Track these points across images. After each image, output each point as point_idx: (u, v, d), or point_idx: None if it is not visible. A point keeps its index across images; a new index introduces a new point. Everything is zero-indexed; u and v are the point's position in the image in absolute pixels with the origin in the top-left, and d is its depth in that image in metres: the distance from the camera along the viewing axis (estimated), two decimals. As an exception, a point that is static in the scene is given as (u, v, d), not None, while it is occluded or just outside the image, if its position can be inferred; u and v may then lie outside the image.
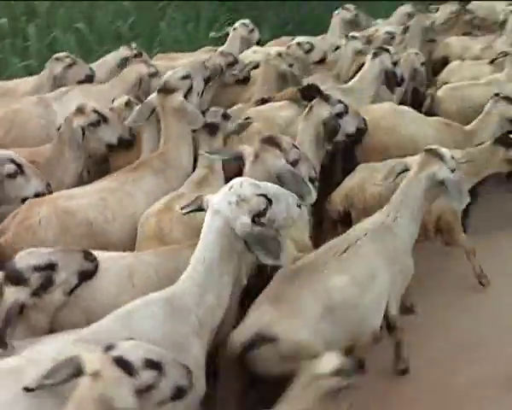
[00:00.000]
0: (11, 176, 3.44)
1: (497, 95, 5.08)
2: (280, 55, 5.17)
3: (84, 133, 4.04)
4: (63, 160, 4.06)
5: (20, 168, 3.49)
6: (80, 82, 5.21)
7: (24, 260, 2.56)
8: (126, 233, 3.59)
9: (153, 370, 2.06)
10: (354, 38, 6.02)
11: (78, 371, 1.99)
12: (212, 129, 3.97)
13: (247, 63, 5.47)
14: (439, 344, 4.11)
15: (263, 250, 2.46)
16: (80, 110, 4.08)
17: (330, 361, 2.51)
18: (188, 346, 2.46)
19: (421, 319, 4.25)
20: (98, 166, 4.43)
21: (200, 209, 2.70)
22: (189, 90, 4.27)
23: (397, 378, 3.79)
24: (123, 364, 1.99)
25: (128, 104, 4.55)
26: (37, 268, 2.54)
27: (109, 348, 2.04)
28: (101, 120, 4.12)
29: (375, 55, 5.33)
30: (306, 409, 2.45)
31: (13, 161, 3.48)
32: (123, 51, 5.84)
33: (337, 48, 6.21)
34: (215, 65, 5.04)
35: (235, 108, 4.81)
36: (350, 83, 5.41)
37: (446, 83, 6.01)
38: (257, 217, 2.52)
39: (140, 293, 2.65)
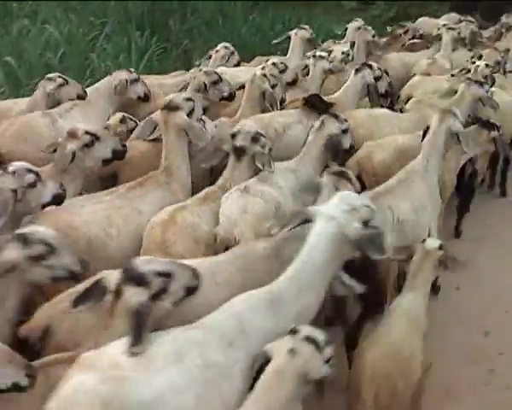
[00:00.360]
0: (32, 185, 3.44)
1: (469, 79, 5.68)
2: (265, 75, 5.26)
3: (75, 156, 4.03)
4: (63, 181, 3.95)
5: (37, 176, 3.51)
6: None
7: (146, 264, 2.64)
8: (128, 248, 3.65)
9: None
10: (322, 57, 6.15)
11: None
12: (239, 153, 4.08)
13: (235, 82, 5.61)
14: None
15: (373, 249, 2.74)
16: (72, 134, 4.10)
17: (434, 241, 3.61)
18: None
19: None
20: (102, 182, 4.48)
21: (308, 221, 2.88)
22: (191, 112, 4.44)
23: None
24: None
25: (122, 121, 4.82)
26: (158, 274, 2.62)
27: None
28: (94, 139, 4.15)
29: (358, 70, 5.63)
30: (427, 278, 3.46)
31: (30, 170, 3.49)
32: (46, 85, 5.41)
33: (305, 67, 6.32)
34: (199, 83, 5.25)
35: (217, 122, 4.89)
36: (334, 96, 5.60)
37: (410, 97, 6.30)
38: (365, 223, 2.79)
39: (225, 291, 2.88)
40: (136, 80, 5.37)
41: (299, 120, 5.02)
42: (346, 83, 5.68)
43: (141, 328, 2.40)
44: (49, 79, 5.30)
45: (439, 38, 7.93)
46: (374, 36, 7.67)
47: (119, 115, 4.88)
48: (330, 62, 6.28)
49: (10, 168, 3.39)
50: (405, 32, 8.62)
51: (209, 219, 3.68)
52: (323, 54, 6.24)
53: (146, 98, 5.42)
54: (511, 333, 4.43)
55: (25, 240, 2.80)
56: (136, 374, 2.25)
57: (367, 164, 4.70)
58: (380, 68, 5.76)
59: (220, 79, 5.36)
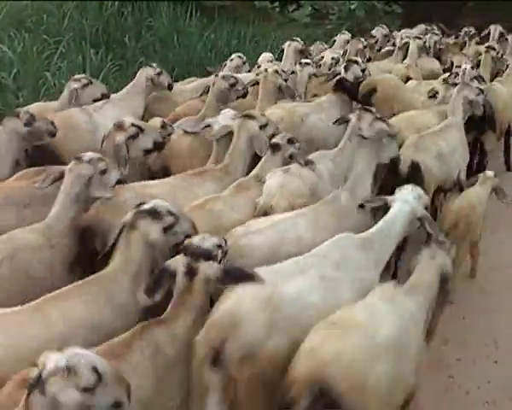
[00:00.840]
0: (103, 172, 3.70)
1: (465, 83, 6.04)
2: (276, 71, 5.86)
3: (123, 147, 4.32)
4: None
5: (106, 164, 3.77)
6: (95, 100, 5.65)
7: (206, 241, 2.95)
8: None
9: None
10: (307, 64, 6.59)
11: None
12: (275, 148, 4.44)
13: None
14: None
15: (430, 225, 3.68)
16: (120, 126, 4.42)
17: (490, 172, 4.98)
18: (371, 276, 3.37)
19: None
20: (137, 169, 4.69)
21: (385, 205, 3.75)
22: (263, 126, 4.70)
23: None
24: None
25: (163, 126, 4.99)
26: (218, 246, 2.97)
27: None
28: (139, 131, 4.46)
29: (347, 67, 6.09)
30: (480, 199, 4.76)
31: (101, 159, 3.76)
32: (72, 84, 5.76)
33: (292, 72, 6.60)
34: (220, 87, 5.66)
35: None
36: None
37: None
38: (426, 208, 3.81)
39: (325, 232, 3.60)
40: (161, 72, 6.06)
41: (319, 109, 5.68)
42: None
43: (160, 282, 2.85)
44: (75, 79, 5.77)
45: (406, 46, 8.21)
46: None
47: (159, 120, 5.06)
48: (318, 66, 6.97)
49: (85, 158, 3.67)
50: (375, 42, 9.12)
51: (241, 207, 3.98)
52: (308, 61, 6.73)
53: (170, 87, 6.16)
54: (469, 339, 4.42)
55: (156, 214, 3.12)
56: (282, 281, 2.98)
57: None
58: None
59: (237, 81, 5.80)
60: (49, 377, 2.00)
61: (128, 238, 3.06)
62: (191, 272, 2.83)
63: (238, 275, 2.87)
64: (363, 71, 6.15)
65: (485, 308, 4.76)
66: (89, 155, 3.70)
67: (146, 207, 3.15)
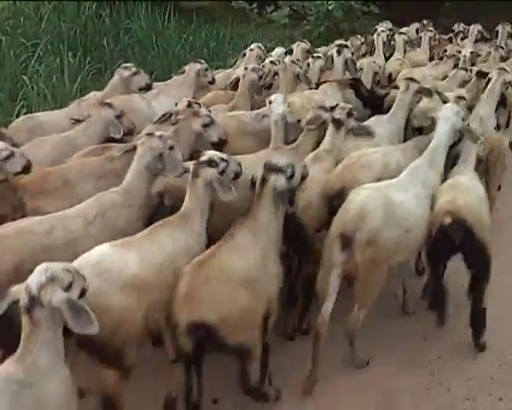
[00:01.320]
0: (171, 148, 4.05)
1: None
2: (293, 62, 6.63)
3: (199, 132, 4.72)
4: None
5: (174, 142, 4.14)
6: (141, 89, 6.17)
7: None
8: None
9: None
10: (319, 57, 6.98)
11: None
12: (337, 124, 4.78)
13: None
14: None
15: (468, 134, 4.61)
16: (196, 113, 4.79)
17: None
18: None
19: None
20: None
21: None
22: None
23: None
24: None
25: (190, 106, 5.16)
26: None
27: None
28: (211, 121, 4.77)
29: (339, 51, 6.69)
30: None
31: (169, 136, 4.14)
32: (123, 72, 6.27)
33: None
34: (251, 78, 6.17)
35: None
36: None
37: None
38: (463, 119, 4.71)
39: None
40: (207, 68, 6.71)
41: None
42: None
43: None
44: (125, 67, 6.24)
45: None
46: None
47: (186, 101, 5.32)
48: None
49: (156, 134, 4.07)
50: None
51: (316, 174, 4.37)
52: (320, 55, 7.19)
53: (213, 81, 6.74)
54: (449, 336, 4.44)
55: (211, 162, 3.71)
56: (392, 192, 4.02)
57: None
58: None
59: (263, 73, 6.39)
60: (40, 292, 2.51)
61: (194, 184, 3.68)
62: (263, 181, 3.68)
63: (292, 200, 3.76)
64: (352, 54, 6.97)
65: (464, 305, 4.81)
66: (160, 132, 4.16)
67: (204, 158, 3.75)
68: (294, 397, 3.84)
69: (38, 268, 2.61)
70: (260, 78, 6.28)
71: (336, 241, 3.78)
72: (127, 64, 6.47)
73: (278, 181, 3.65)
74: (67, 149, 4.73)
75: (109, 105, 5.05)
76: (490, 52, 8.41)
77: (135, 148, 4.06)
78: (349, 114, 4.86)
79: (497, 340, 4.38)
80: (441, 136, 4.48)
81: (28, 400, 2.46)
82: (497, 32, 9.70)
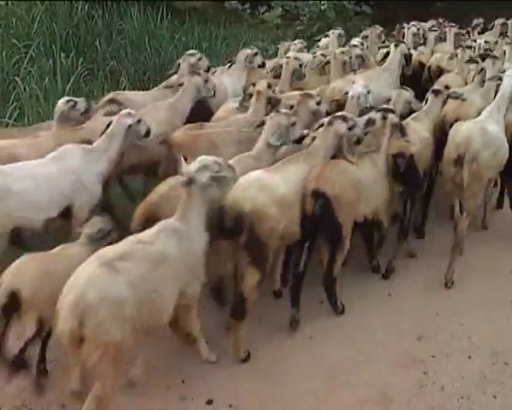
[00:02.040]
0: (293, 124, 4.89)
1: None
2: (343, 52, 7.33)
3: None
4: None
5: (296, 119, 5.04)
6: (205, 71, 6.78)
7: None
8: None
9: None
10: (355, 46, 7.97)
11: None
12: (437, 93, 5.98)
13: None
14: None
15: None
16: (309, 95, 5.54)
17: None
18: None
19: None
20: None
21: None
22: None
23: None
24: None
25: (269, 86, 5.79)
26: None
27: None
28: (320, 101, 5.57)
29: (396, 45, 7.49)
30: None
31: (293, 115, 5.00)
32: (189, 58, 6.98)
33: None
34: (294, 66, 6.99)
35: (317, 89, 6.46)
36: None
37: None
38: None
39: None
40: (257, 53, 7.50)
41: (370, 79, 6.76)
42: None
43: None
44: (191, 54, 7.05)
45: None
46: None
47: (265, 82, 5.85)
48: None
49: (282, 111, 4.96)
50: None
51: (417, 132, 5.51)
52: (356, 43, 8.22)
53: (263, 65, 7.49)
54: (443, 336, 4.47)
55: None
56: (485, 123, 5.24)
57: None
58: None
59: (301, 62, 7.22)
60: (195, 175, 3.62)
61: (325, 132, 4.67)
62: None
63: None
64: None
65: (458, 304, 4.84)
66: (285, 110, 5.01)
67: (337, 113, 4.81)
68: (288, 396, 3.86)
69: (197, 159, 3.75)
70: (300, 66, 7.13)
71: (451, 162, 5.08)
72: (192, 51, 7.28)
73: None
74: (173, 112, 5.79)
75: (198, 73, 6.10)
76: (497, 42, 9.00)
77: (263, 123, 4.85)
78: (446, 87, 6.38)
79: (490, 338, 4.41)
80: (506, 88, 5.58)
81: (186, 244, 3.55)
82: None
